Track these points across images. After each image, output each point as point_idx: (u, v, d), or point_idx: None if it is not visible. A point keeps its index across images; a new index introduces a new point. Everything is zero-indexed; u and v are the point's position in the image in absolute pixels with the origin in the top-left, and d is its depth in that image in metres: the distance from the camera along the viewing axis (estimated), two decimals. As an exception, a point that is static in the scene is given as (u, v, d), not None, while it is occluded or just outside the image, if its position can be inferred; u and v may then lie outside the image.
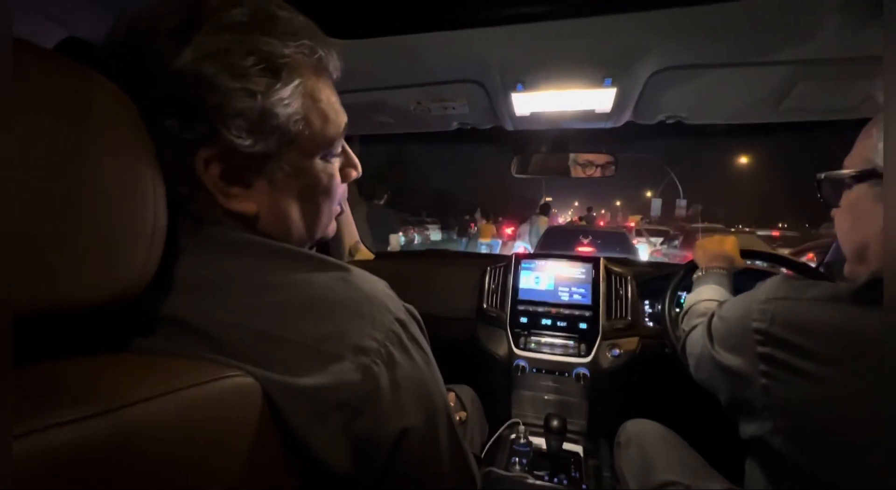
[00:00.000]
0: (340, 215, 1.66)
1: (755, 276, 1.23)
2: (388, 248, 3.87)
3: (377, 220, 3.73)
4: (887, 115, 0.44)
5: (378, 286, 0.44)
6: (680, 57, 0.82)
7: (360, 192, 1.81)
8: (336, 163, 0.48)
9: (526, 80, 0.91)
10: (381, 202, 4.22)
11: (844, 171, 0.56)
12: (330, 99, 0.45)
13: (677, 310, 1.07)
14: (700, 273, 1.04)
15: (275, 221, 0.44)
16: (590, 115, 1.07)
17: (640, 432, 1.07)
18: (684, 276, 1.15)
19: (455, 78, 0.95)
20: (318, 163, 0.45)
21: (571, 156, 1.39)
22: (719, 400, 0.66)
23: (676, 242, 8.65)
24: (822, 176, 0.61)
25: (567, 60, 0.85)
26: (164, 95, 0.35)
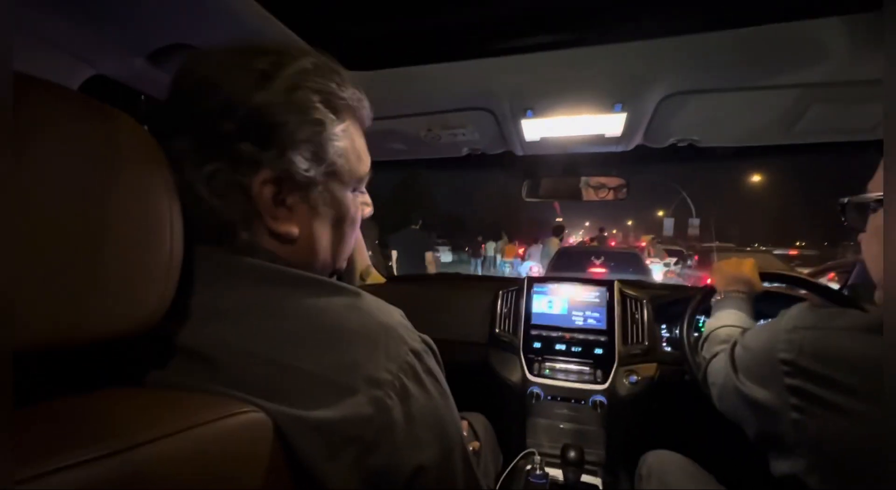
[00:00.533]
0: (352, 240, 1.65)
1: (776, 300, 1.20)
2: (426, 264, 4.58)
3: (416, 241, 4.74)
4: (887, 131, 0.43)
5: (394, 316, 0.44)
6: (690, 82, 0.82)
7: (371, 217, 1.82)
8: (359, 198, 0.52)
9: (535, 106, 0.92)
10: (418, 227, 4.88)
11: (869, 195, 0.55)
12: (362, 142, 0.51)
13: (696, 335, 1.04)
14: (719, 297, 1.01)
15: (308, 245, 0.46)
16: (600, 140, 1.07)
17: (662, 464, 1.02)
18: (702, 299, 1.12)
19: (465, 106, 0.97)
20: (349, 195, 0.49)
21: (583, 179, 1.39)
22: (745, 431, 0.63)
23: (690, 263, 8.50)
24: (846, 200, 0.60)
25: (576, 88, 0.86)
26: (242, 123, 0.40)
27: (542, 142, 1.10)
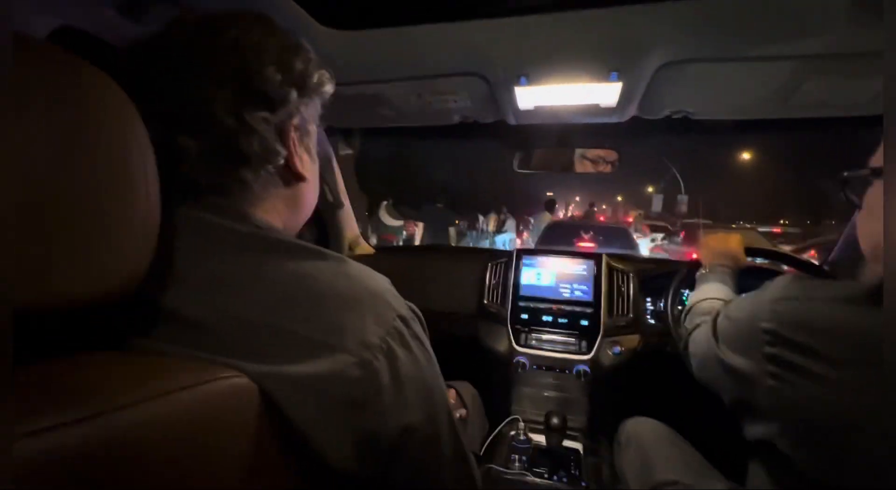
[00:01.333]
0: (340, 209, 1.65)
1: (759, 275, 1.22)
2: (448, 237, 5.56)
3: (438, 217, 5.93)
4: (887, 107, 0.43)
5: (381, 282, 0.45)
6: (687, 50, 0.80)
7: (361, 187, 1.80)
8: None
9: (529, 73, 0.89)
10: (442, 205, 6.03)
11: (864, 171, 0.55)
12: None
13: (679, 308, 1.06)
14: (703, 271, 1.02)
15: (308, 189, 0.52)
16: (595, 110, 1.05)
17: (641, 431, 1.06)
18: (687, 273, 1.14)
19: (456, 71, 0.94)
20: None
21: (578, 151, 1.37)
22: (721, 399, 0.65)
23: (678, 238, 8.64)
24: (846, 174, 0.60)
25: (572, 54, 0.83)
26: (287, 75, 0.44)
27: (536, 111, 1.07)
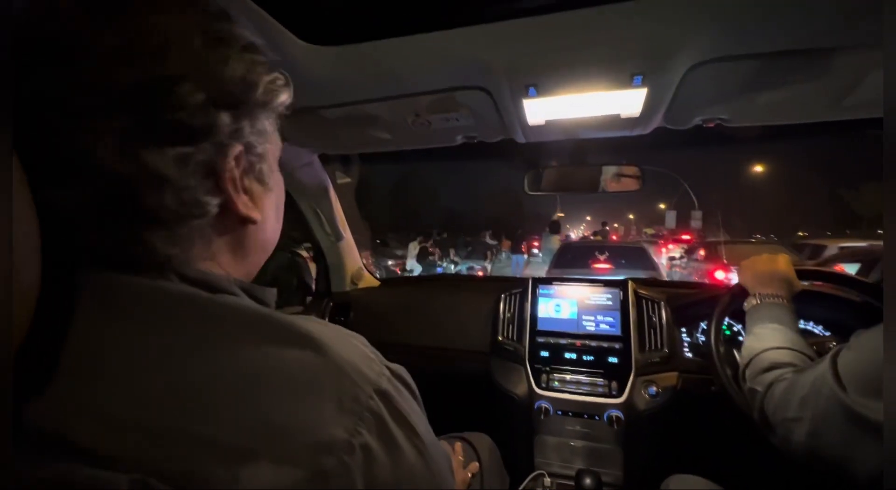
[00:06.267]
0: (340, 241, 1.51)
1: (813, 300, 1.07)
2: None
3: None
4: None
5: (350, 346, 0.33)
6: (726, 46, 0.68)
7: (363, 216, 1.71)
8: None
9: (539, 83, 0.78)
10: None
11: None
12: None
13: (727, 334, 0.92)
14: (755, 302, 0.88)
15: (262, 230, 0.41)
16: (615, 122, 0.93)
17: None
18: (730, 302, 0.99)
19: (456, 85, 0.83)
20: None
21: (605, 168, 1.24)
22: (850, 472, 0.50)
23: (696, 256, 8.37)
24: None
25: (587, 57, 0.72)
26: (211, 90, 0.32)
27: (548, 126, 0.96)
